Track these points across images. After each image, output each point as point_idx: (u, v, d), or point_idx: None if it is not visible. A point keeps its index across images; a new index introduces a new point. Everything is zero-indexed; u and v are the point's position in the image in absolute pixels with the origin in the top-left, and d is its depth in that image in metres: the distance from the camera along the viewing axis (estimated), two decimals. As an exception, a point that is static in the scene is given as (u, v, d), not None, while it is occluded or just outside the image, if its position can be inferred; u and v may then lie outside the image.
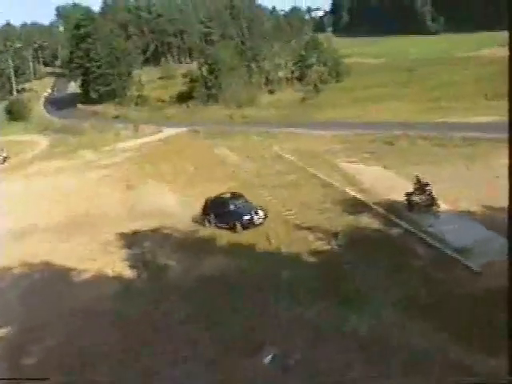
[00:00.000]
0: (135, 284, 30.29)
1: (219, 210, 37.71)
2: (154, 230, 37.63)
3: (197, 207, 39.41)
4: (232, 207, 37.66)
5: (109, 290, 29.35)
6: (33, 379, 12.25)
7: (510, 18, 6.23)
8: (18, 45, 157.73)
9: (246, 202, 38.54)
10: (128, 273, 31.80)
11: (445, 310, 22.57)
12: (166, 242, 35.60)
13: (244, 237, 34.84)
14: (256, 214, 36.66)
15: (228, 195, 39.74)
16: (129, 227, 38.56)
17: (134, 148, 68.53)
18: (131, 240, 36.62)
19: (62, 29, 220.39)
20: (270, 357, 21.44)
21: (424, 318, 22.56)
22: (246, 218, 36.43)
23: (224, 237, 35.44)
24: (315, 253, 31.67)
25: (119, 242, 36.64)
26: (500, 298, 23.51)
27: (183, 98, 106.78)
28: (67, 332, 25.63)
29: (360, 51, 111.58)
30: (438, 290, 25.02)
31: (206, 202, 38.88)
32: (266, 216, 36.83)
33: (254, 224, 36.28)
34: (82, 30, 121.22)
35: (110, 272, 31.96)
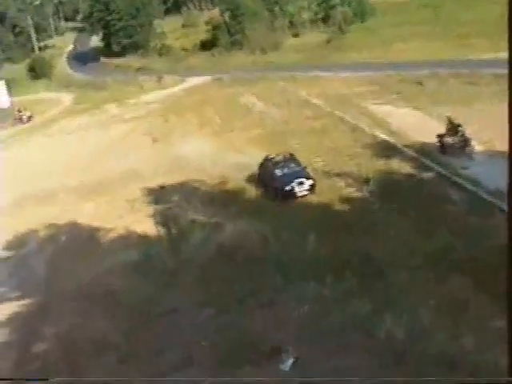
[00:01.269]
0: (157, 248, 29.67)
1: (265, 174, 34.34)
2: (182, 184, 37.02)
3: (226, 159, 38.70)
4: (277, 173, 33.36)
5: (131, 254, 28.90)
6: (33, 379, 12.02)
7: (509, 18, 6.21)
8: (37, 1, 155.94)
9: (297, 167, 33.81)
10: (153, 231, 31.40)
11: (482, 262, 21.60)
12: (193, 197, 34.94)
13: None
14: (300, 184, 32.05)
15: (279, 157, 34.94)
16: (156, 182, 37.95)
17: (159, 100, 67.59)
18: (158, 195, 36.08)
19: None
20: (290, 362, 18.88)
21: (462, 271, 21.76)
22: (287, 188, 32.12)
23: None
24: (346, 200, 30.97)
25: (146, 198, 36.14)
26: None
27: (207, 45, 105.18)
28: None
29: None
30: (475, 239, 24.14)
31: (262, 161, 35.43)
32: (313, 186, 32.25)
33: (295, 196, 32.11)
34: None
35: (137, 230, 31.51)
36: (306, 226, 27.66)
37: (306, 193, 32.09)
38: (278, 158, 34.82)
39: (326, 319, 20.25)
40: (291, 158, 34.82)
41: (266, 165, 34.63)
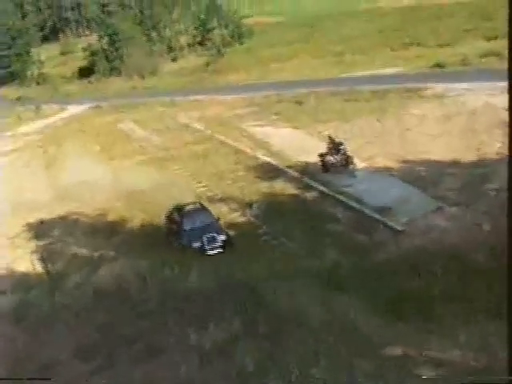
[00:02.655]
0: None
1: (171, 228, 29.51)
2: (62, 217, 35.42)
3: (104, 188, 37.28)
4: (184, 226, 28.46)
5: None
6: (34, 379, 10.98)
7: (509, 16, 6.11)
8: None
9: (208, 218, 28.97)
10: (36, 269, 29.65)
11: (369, 278, 21.17)
12: (75, 230, 33.44)
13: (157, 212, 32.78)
14: (211, 241, 27.26)
15: (188, 207, 30.25)
16: (35, 216, 36.19)
17: (37, 130, 65.48)
18: (38, 230, 34.37)
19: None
20: None
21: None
22: (196, 244, 27.22)
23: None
24: (230, 225, 30.23)
25: (27, 234, 34.38)
26: (425, 257, 22.56)
27: (85, 72, 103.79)
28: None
29: (259, 10, 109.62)
30: (361, 255, 23.85)
31: (169, 211, 30.61)
32: (226, 243, 27.47)
33: (205, 253, 26.90)
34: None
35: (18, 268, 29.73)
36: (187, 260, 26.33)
37: (218, 250, 27.07)
38: (188, 208, 30.09)
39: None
40: (201, 209, 30.09)
41: (173, 216, 29.93)
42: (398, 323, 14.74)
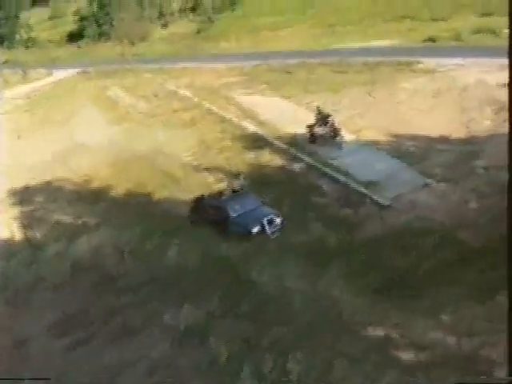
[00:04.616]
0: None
1: (214, 216, 26.29)
2: (47, 183, 35.05)
3: (89, 155, 36.87)
4: (232, 214, 26.05)
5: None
6: (34, 379, 10.50)
7: (510, 15, 6.24)
8: None
9: (256, 201, 26.94)
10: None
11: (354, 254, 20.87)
12: (59, 196, 33.07)
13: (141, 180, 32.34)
14: (271, 223, 25.29)
15: (227, 194, 27.57)
16: (21, 181, 35.78)
17: (25, 94, 64.63)
18: (23, 196, 33.98)
19: None
20: None
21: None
22: (255, 230, 24.99)
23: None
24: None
25: (11, 199, 34.01)
26: (412, 233, 22.28)
27: (74, 37, 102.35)
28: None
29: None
30: (346, 230, 23.58)
31: (195, 201, 27.92)
32: (283, 223, 25.61)
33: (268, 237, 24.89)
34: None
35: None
36: (170, 233, 25.68)
37: (278, 234, 25.15)
38: (225, 195, 27.55)
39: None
40: (245, 192, 27.57)
41: (209, 205, 27.03)
42: (382, 302, 14.43)
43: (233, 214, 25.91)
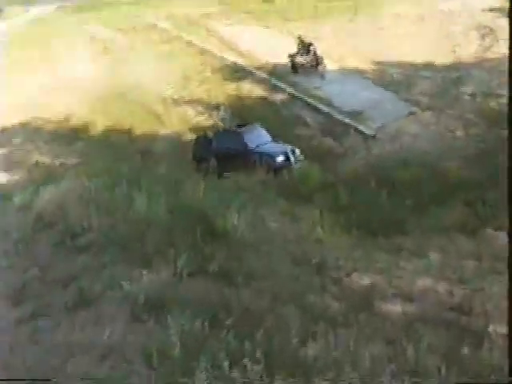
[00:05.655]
0: None
1: (227, 150, 24.79)
2: (25, 124, 34.16)
3: (66, 92, 35.83)
4: (250, 145, 24.82)
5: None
6: (34, 379, 9.76)
7: (510, 17, 6.34)
8: None
9: (266, 134, 25.96)
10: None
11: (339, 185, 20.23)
12: (37, 137, 32.27)
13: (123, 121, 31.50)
14: (294, 153, 24.26)
15: (235, 127, 26.80)
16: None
17: (0, 33, 63.05)
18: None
19: None
20: None
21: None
22: (280, 159, 23.93)
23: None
24: (196, 129, 29.19)
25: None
26: (397, 163, 21.74)
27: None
28: None
29: None
30: (330, 161, 23.04)
31: (196, 141, 26.69)
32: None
33: (289, 167, 23.65)
34: None
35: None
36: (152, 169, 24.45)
37: (299, 165, 24.04)
38: (234, 128, 26.88)
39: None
40: (252, 125, 26.53)
41: (221, 138, 25.84)
42: (367, 240, 13.90)
43: (251, 146, 24.77)
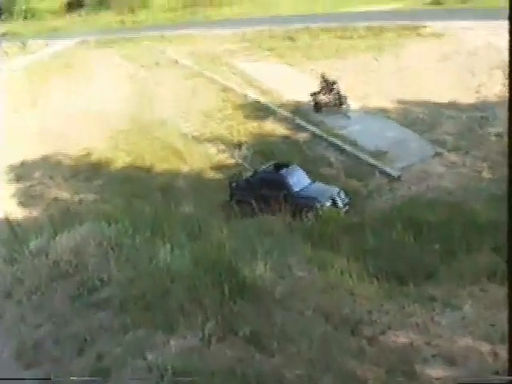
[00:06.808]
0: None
1: (270, 193, 23.66)
2: (45, 158, 34.10)
3: (89, 126, 35.83)
4: (295, 189, 24.24)
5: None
6: (34, 379, 9.40)
7: (510, 13, 6.17)
8: None
9: (306, 176, 25.32)
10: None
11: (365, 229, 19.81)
12: (56, 172, 32.17)
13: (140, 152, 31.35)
14: (341, 197, 23.80)
15: (276, 168, 25.70)
16: (18, 157, 34.85)
17: (24, 66, 63.60)
18: (20, 172, 33.06)
19: None
20: None
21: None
22: (328, 203, 23.15)
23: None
24: (218, 168, 29.02)
25: (7, 176, 33.11)
26: (422, 206, 21.33)
27: (73, 6, 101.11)
28: None
29: None
30: (354, 203, 22.66)
31: (234, 182, 26.08)
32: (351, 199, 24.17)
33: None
34: None
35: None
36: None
37: (347, 208, 23.60)
38: (274, 169, 25.89)
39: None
40: (295, 167, 25.81)
41: (262, 180, 25.17)
42: (396, 289, 13.43)
43: (296, 189, 24.22)
